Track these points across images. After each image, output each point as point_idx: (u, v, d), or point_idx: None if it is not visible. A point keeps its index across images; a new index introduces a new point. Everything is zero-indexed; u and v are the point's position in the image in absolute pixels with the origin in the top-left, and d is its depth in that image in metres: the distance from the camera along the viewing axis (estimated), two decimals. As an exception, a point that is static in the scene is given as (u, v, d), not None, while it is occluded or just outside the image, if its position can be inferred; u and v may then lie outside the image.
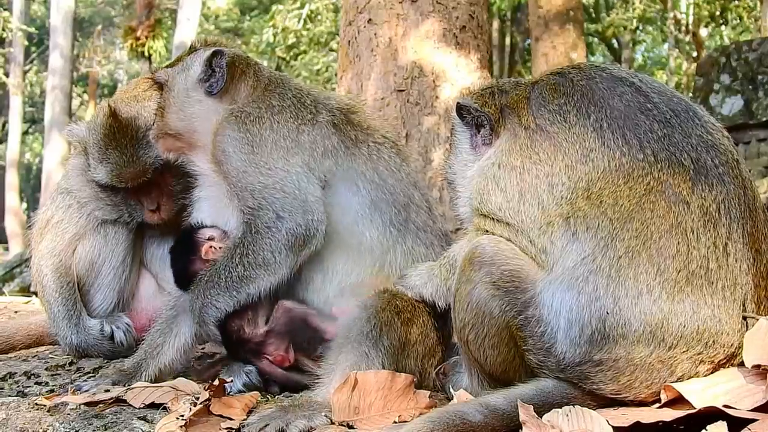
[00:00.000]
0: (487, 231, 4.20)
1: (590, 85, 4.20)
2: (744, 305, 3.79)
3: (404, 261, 5.16)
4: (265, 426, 3.95)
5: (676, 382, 3.69)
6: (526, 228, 4.03)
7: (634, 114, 4.03)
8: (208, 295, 4.84)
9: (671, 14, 47.01)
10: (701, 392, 3.58)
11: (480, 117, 4.50)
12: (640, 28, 53.00)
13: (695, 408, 3.47)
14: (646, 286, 3.69)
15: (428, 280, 4.78)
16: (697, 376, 3.73)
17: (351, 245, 5.11)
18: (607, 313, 3.69)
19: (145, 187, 5.85)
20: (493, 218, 4.20)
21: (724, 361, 3.77)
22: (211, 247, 5.07)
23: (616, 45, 55.20)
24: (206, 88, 5.22)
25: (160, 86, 5.38)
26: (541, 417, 3.59)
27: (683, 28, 47.87)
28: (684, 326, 3.68)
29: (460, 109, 4.63)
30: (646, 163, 3.87)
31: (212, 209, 5.25)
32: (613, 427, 3.44)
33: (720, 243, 3.77)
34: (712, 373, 3.76)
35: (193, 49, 5.44)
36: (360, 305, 4.76)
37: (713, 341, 3.71)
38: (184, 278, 5.14)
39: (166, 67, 5.44)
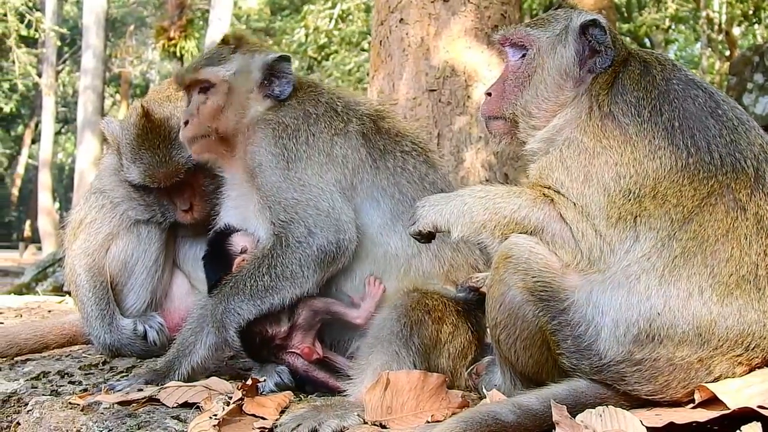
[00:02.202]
0: (552, 200, 4.13)
1: (668, 85, 4.20)
2: None
3: (430, 265, 5.16)
4: (298, 425, 3.96)
5: (712, 382, 3.69)
6: (592, 213, 4.00)
7: (705, 117, 4.07)
8: (232, 301, 4.84)
9: (704, 13, 46.71)
10: (735, 393, 3.58)
11: (607, 48, 4.35)
12: (673, 27, 52.77)
13: (729, 409, 3.47)
14: (698, 287, 3.72)
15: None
16: (734, 376, 3.73)
17: (376, 254, 5.13)
18: (658, 313, 3.71)
19: (177, 187, 5.86)
20: (558, 191, 4.14)
21: (761, 364, 3.79)
22: (243, 260, 5.06)
23: (648, 44, 55.00)
24: (267, 93, 5.23)
25: (205, 86, 5.25)
26: (574, 417, 3.57)
27: (716, 27, 47.56)
28: (730, 329, 3.69)
29: (595, 25, 4.38)
30: (712, 165, 3.91)
31: (240, 215, 5.25)
32: (646, 427, 3.43)
33: None
34: (747, 374, 3.76)
35: (229, 45, 5.37)
36: (390, 305, 4.79)
37: (755, 345, 3.73)
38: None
39: (207, 65, 5.30)
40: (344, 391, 4.61)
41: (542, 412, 3.63)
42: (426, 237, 4.44)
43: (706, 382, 3.70)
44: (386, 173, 5.22)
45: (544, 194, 4.16)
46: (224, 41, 5.39)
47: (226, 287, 4.90)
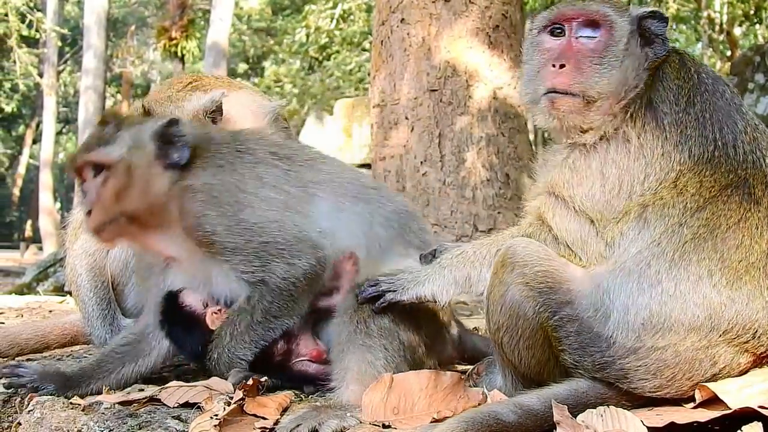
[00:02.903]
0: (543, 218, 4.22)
1: (699, 78, 4.23)
2: None
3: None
4: (297, 426, 3.95)
5: (718, 374, 3.73)
6: (600, 218, 4.04)
7: (732, 112, 4.13)
8: (234, 350, 4.84)
9: (705, 13, 46.75)
10: (736, 392, 3.59)
11: (662, 39, 4.35)
12: (674, 27, 52.81)
13: (730, 408, 3.48)
14: (707, 270, 3.75)
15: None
16: (738, 367, 3.76)
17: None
18: (669, 295, 3.73)
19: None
20: (566, 203, 4.16)
21: (765, 353, 3.82)
22: (214, 313, 5.03)
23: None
24: (167, 162, 4.97)
25: (103, 168, 4.96)
26: (575, 417, 3.58)
27: (717, 27, 47.61)
28: (739, 313, 3.72)
29: (654, 17, 4.35)
30: (735, 160, 3.97)
31: (196, 279, 5.13)
32: (647, 427, 3.43)
33: None
34: (752, 364, 3.79)
35: (111, 123, 5.11)
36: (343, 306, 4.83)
37: (762, 332, 3.75)
38: (199, 353, 5.04)
39: (97, 147, 5.00)
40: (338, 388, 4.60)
41: (543, 412, 3.62)
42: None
43: (712, 373, 3.73)
44: (310, 171, 5.22)
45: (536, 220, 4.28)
46: (104, 120, 5.16)
47: (224, 339, 4.88)
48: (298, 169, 5.14)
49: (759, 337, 3.76)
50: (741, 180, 3.93)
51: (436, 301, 4.47)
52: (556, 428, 3.48)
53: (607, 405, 3.72)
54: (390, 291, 4.52)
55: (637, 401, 3.82)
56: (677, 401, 3.81)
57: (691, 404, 3.73)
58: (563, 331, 3.90)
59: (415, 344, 4.73)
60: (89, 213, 4.90)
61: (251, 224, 4.86)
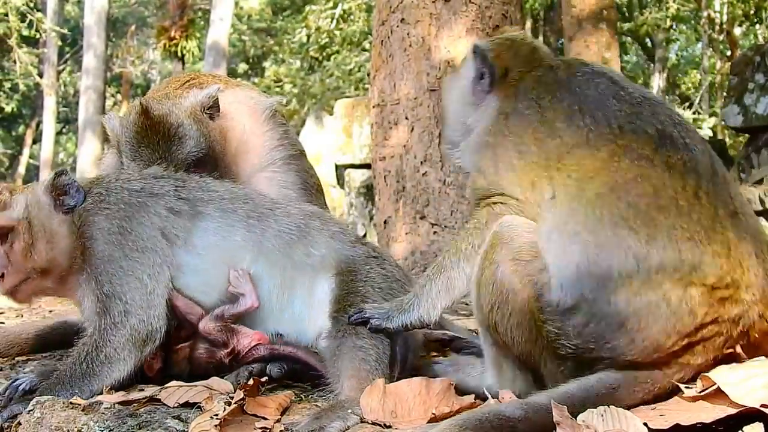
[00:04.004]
0: (493, 203, 4.48)
1: (570, 78, 4.60)
2: (728, 240, 3.97)
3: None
4: None
5: (677, 313, 3.84)
6: (510, 192, 4.40)
7: (606, 99, 4.40)
8: (56, 391, 4.67)
9: (705, 13, 46.80)
10: (738, 385, 3.59)
11: (483, 68, 4.85)
12: (674, 27, 52.82)
13: (731, 399, 3.49)
14: (620, 216, 3.92)
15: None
16: (694, 300, 3.85)
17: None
18: (594, 247, 3.91)
19: (178, 183, 5.87)
20: (493, 194, 4.50)
21: (719, 286, 3.90)
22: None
23: (649, 44, 55.00)
24: (65, 209, 5.11)
25: (7, 233, 5.07)
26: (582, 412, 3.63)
27: (717, 27, 47.64)
28: (665, 248, 3.86)
29: (476, 49, 4.89)
30: (611, 134, 4.24)
31: None
32: (652, 429, 3.43)
33: (689, 189, 4.03)
34: (709, 294, 3.87)
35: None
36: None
37: (699, 261, 3.86)
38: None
39: None
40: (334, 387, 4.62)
41: (547, 407, 3.61)
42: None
43: (671, 313, 3.84)
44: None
45: (488, 213, 4.52)
46: None
47: (57, 374, 4.81)
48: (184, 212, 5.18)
49: (699, 267, 3.86)
50: (623, 148, 4.15)
51: (425, 324, 4.64)
52: (556, 428, 3.47)
53: (617, 392, 3.83)
54: (375, 318, 4.68)
55: (628, 366, 3.91)
56: (658, 365, 3.91)
57: (692, 391, 3.77)
58: (544, 300, 4.04)
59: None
60: (1, 277, 5.04)
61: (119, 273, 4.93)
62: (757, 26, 47.59)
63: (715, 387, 3.62)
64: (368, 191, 26.00)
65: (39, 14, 46.56)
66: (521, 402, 3.75)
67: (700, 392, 3.70)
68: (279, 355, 4.99)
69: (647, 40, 53.57)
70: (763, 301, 4.02)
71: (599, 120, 4.28)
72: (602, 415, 3.58)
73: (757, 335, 4.07)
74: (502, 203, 4.42)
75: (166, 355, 5.02)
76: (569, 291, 3.94)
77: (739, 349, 4.08)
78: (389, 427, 3.96)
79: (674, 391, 3.94)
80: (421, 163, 11.42)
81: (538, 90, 4.58)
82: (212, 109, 5.86)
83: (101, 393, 4.66)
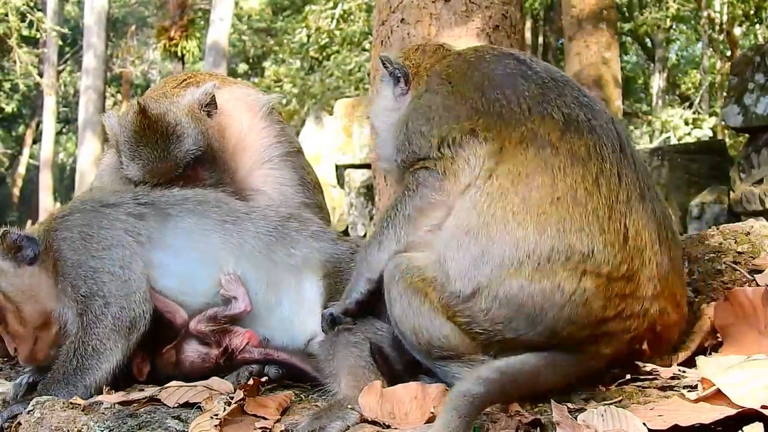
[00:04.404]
0: (416, 170, 4.65)
1: (479, 60, 4.80)
2: (626, 229, 4.10)
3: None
4: None
5: (571, 300, 4.00)
6: (425, 154, 4.58)
7: (514, 78, 4.57)
8: (52, 390, 4.71)
9: (705, 13, 46.81)
10: (738, 386, 3.58)
11: (397, 70, 5.05)
12: (674, 26, 52.85)
13: (732, 401, 3.49)
14: (511, 213, 4.08)
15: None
16: (590, 291, 4.01)
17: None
18: (485, 239, 4.09)
19: (177, 181, 5.85)
20: (412, 162, 4.70)
21: (615, 276, 4.05)
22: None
23: (649, 44, 55.01)
24: (26, 263, 5.11)
25: None
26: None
27: (717, 27, 47.64)
28: (554, 238, 4.02)
29: (383, 62, 5.11)
30: (521, 115, 4.37)
31: None
32: (651, 430, 3.43)
33: (589, 176, 4.15)
34: (605, 286, 4.03)
35: None
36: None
37: (590, 251, 4.00)
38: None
39: None
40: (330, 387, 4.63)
41: (500, 379, 3.87)
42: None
43: (562, 301, 4.00)
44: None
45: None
46: None
47: (47, 378, 4.84)
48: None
49: (590, 257, 4.01)
50: (532, 132, 4.29)
51: (373, 289, 4.75)
52: (556, 428, 3.49)
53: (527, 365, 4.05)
54: (336, 310, 4.83)
55: (566, 374, 4.14)
56: (568, 350, 4.10)
57: (693, 394, 3.80)
58: (446, 293, 4.28)
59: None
60: (15, 351, 5.06)
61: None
62: (757, 26, 47.58)
63: (714, 388, 3.62)
64: (368, 191, 26.01)
65: (39, 14, 46.58)
66: (477, 378, 3.82)
67: (701, 397, 3.70)
68: (273, 360, 5.01)
69: (647, 40, 53.63)
70: (664, 295, 4.18)
71: (510, 98, 4.43)
72: (602, 415, 3.60)
73: (660, 329, 4.24)
74: (424, 168, 4.57)
75: (153, 359, 5.03)
76: (467, 280, 4.15)
77: (645, 345, 4.26)
78: (388, 426, 3.95)
79: (596, 377, 4.21)
80: (421, 163, 11.41)
81: (448, 72, 4.78)
82: (209, 106, 5.86)
83: (97, 387, 4.71)
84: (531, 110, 4.36)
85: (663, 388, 4.14)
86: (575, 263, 3.98)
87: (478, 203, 4.21)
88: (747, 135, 22.32)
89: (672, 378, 4.28)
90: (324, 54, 48.09)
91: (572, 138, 4.25)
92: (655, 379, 4.29)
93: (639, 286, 4.07)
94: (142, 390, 4.64)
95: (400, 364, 4.68)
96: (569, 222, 4.02)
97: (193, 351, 5.00)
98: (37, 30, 45.11)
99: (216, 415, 4.00)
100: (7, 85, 63.67)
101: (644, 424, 3.47)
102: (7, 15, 42.95)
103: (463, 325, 4.22)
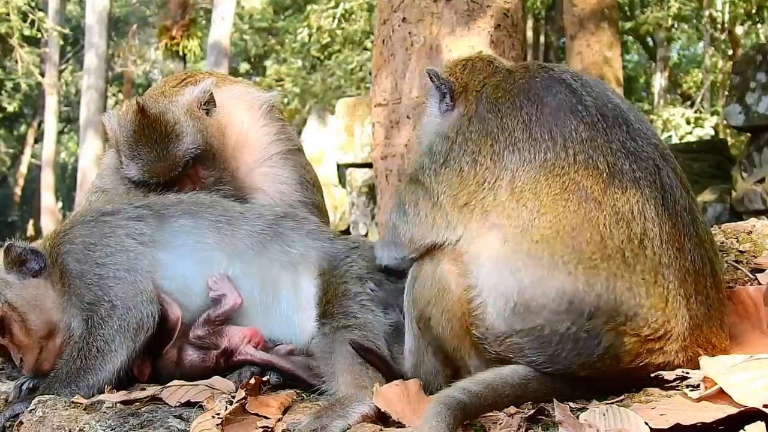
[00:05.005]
0: (401, 199, 4.67)
1: (529, 82, 4.54)
2: (668, 292, 4.00)
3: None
4: None
5: (605, 354, 3.95)
6: (441, 192, 4.43)
7: (564, 113, 4.33)
8: (54, 389, 4.69)
9: (707, 12, 46.82)
10: (742, 386, 3.57)
11: (443, 86, 4.83)
12: (676, 26, 52.81)
13: (734, 400, 3.48)
14: (562, 260, 3.95)
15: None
16: (624, 347, 3.95)
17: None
18: (529, 284, 3.97)
19: (177, 180, 5.83)
20: (413, 178, 4.66)
21: (652, 337, 3.98)
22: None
23: (651, 43, 55.00)
24: (33, 275, 5.11)
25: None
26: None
27: (719, 26, 47.68)
28: (600, 296, 3.91)
29: (430, 76, 4.92)
30: (566, 162, 4.17)
31: None
32: (653, 429, 3.42)
33: (635, 238, 4.00)
34: (641, 346, 3.98)
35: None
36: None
37: (634, 314, 3.92)
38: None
39: None
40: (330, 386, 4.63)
41: (484, 392, 3.88)
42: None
43: (597, 354, 3.95)
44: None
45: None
46: None
47: (49, 378, 4.85)
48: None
49: (633, 319, 3.94)
50: (575, 183, 4.12)
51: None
52: (558, 428, 3.48)
53: (529, 383, 4.04)
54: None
55: (559, 393, 3.98)
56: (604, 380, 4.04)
57: (696, 393, 3.76)
58: (473, 304, 4.18)
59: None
60: (21, 361, 5.03)
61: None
62: (759, 25, 47.58)
63: (717, 387, 3.61)
64: (370, 190, 26.03)
65: (40, 14, 46.59)
66: (474, 380, 3.94)
67: (702, 396, 3.69)
68: (271, 367, 4.97)
69: (649, 39, 53.60)
70: (693, 346, 4.12)
71: (557, 139, 4.27)
72: (604, 414, 3.58)
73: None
74: (423, 196, 4.54)
75: (154, 360, 5.02)
76: (502, 321, 4.06)
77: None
78: (389, 425, 3.95)
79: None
80: (423, 162, 11.40)
81: (497, 94, 4.59)
82: (208, 104, 5.84)
83: (99, 388, 4.67)
84: (576, 157, 4.19)
85: (665, 387, 4.13)
86: (618, 323, 3.93)
87: (523, 244, 4.07)
88: (749, 134, 22.36)
89: (674, 377, 4.27)
90: (325, 53, 48.14)
91: (615, 194, 4.10)
92: (658, 378, 4.28)
93: (668, 341, 4.02)
94: (144, 389, 4.63)
95: (395, 361, 4.71)
96: (619, 280, 3.94)
97: (193, 351, 5.00)
98: (39, 29, 45.12)
99: (218, 414, 3.99)
100: (8, 85, 63.65)
101: (646, 423, 3.45)
102: (8, 14, 42.97)
103: (478, 345, 4.22)
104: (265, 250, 5.18)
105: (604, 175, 4.12)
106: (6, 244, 5.16)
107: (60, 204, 66.84)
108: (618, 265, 3.94)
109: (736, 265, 5.37)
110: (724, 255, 5.46)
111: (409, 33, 11.46)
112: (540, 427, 3.70)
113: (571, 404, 3.88)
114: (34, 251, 5.09)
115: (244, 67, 67.64)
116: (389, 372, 4.56)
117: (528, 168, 4.22)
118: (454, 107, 4.80)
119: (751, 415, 3.35)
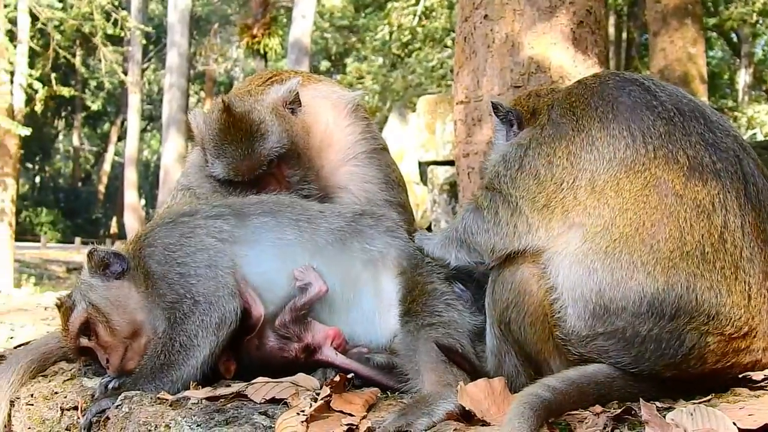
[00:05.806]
0: (478, 204, 4.63)
1: (601, 85, 4.55)
2: (750, 288, 3.96)
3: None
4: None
5: (689, 354, 3.93)
6: (519, 196, 4.42)
7: (639, 109, 4.32)
8: (139, 385, 4.76)
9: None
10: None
11: (509, 114, 4.87)
12: (761, 21, 52.17)
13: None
14: (640, 260, 3.93)
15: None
16: (707, 347, 3.91)
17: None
18: (607, 285, 3.97)
19: (262, 179, 5.85)
20: (489, 186, 4.64)
21: (736, 336, 3.93)
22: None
23: (735, 39, 54.40)
24: (116, 277, 5.17)
25: (86, 328, 5.19)
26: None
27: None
28: (681, 297, 3.88)
29: (494, 107, 4.97)
30: (646, 158, 4.16)
31: None
32: (739, 429, 3.39)
33: (715, 232, 3.98)
34: (726, 344, 3.94)
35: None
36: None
37: (716, 312, 3.89)
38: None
39: (68, 319, 5.24)
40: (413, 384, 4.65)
41: (566, 390, 3.88)
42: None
43: (681, 354, 3.92)
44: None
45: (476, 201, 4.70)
46: (59, 304, 5.34)
47: (133, 375, 4.91)
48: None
49: (716, 318, 3.90)
50: (656, 178, 4.10)
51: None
52: (645, 427, 3.46)
53: (614, 382, 4.06)
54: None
55: (640, 379, 4.05)
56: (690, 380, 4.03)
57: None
58: (554, 306, 4.19)
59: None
60: (107, 362, 5.10)
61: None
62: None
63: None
64: (452, 188, 25.95)
65: (123, 12, 46.97)
66: (558, 377, 3.98)
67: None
68: (350, 371, 4.92)
69: (733, 35, 53.02)
70: None
71: (634, 134, 4.24)
72: (691, 414, 3.56)
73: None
74: (502, 203, 4.51)
75: (240, 357, 5.05)
76: (583, 324, 4.09)
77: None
78: (473, 423, 3.94)
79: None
80: (505, 159, 11.36)
81: (570, 100, 4.58)
82: (294, 104, 5.86)
83: (183, 383, 4.73)
84: (656, 152, 4.16)
85: (753, 388, 4.09)
86: (700, 322, 3.90)
87: (602, 244, 4.07)
88: (834, 130, 22.06)
89: (763, 377, 4.22)
90: (406, 51, 48.18)
91: (696, 186, 4.07)
92: (746, 378, 4.23)
93: (754, 339, 3.98)
94: (229, 386, 4.66)
95: (478, 360, 4.70)
96: (699, 279, 3.91)
97: (275, 339, 5.02)
98: (122, 28, 45.48)
99: (302, 411, 4.00)
100: (92, 83, 64.57)
101: (734, 423, 3.43)
102: (92, 14, 43.35)
103: (560, 347, 4.24)
104: (345, 247, 5.20)
105: (685, 168, 4.10)
106: (89, 249, 5.24)
107: (143, 201, 67.72)
108: (697, 264, 3.92)
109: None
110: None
111: (491, 30, 11.41)
112: (626, 427, 3.67)
113: (658, 404, 3.86)
114: (116, 254, 5.17)
115: (324, 64, 67.99)
116: (473, 370, 4.55)
117: (608, 166, 4.20)
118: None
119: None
